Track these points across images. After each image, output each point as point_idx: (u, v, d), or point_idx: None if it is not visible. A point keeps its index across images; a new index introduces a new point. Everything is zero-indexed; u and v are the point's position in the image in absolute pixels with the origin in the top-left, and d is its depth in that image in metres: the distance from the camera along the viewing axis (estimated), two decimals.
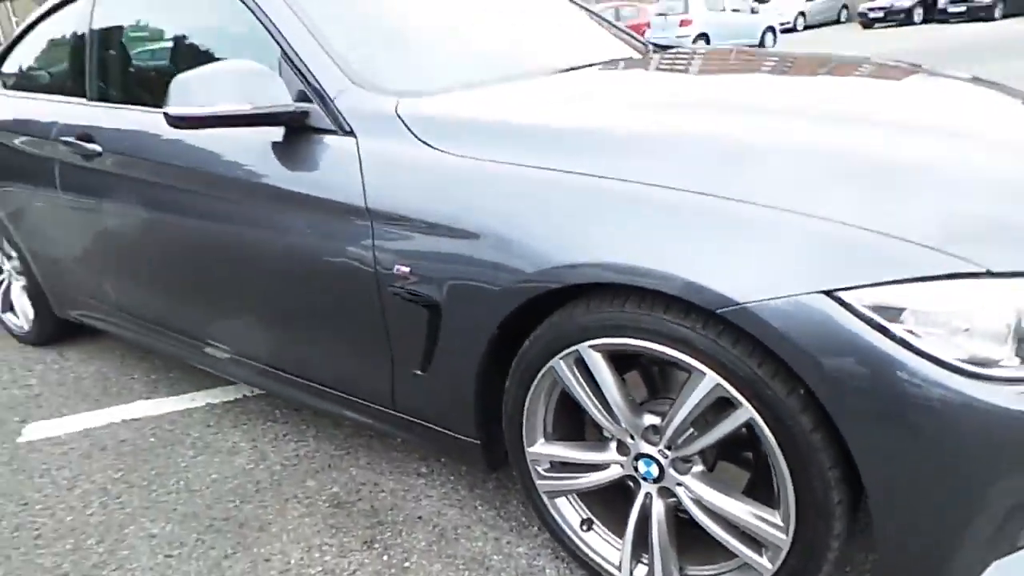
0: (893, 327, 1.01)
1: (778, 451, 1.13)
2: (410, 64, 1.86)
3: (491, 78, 1.78)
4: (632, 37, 2.61)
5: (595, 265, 1.20)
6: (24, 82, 2.71)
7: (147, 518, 1.83)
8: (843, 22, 27.46)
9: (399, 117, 1.52)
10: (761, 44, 18.14)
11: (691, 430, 1.26)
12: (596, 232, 1.21)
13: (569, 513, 1.49)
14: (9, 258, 2.86)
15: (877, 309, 1.02)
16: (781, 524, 1.18)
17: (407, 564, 1.59)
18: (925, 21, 22.59)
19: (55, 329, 2.87)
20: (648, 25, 18.47)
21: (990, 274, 1.00)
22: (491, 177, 1.36)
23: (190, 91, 1.56)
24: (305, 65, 1.67)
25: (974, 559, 1.08)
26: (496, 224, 1.33)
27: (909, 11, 23.39)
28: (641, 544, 1.38)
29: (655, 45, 2.58)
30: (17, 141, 2.54)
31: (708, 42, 17.31)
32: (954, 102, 1.64)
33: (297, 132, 1.65)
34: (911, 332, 1.01)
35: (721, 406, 1.18)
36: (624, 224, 1.19)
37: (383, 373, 1.63)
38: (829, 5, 27.83)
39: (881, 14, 23.86)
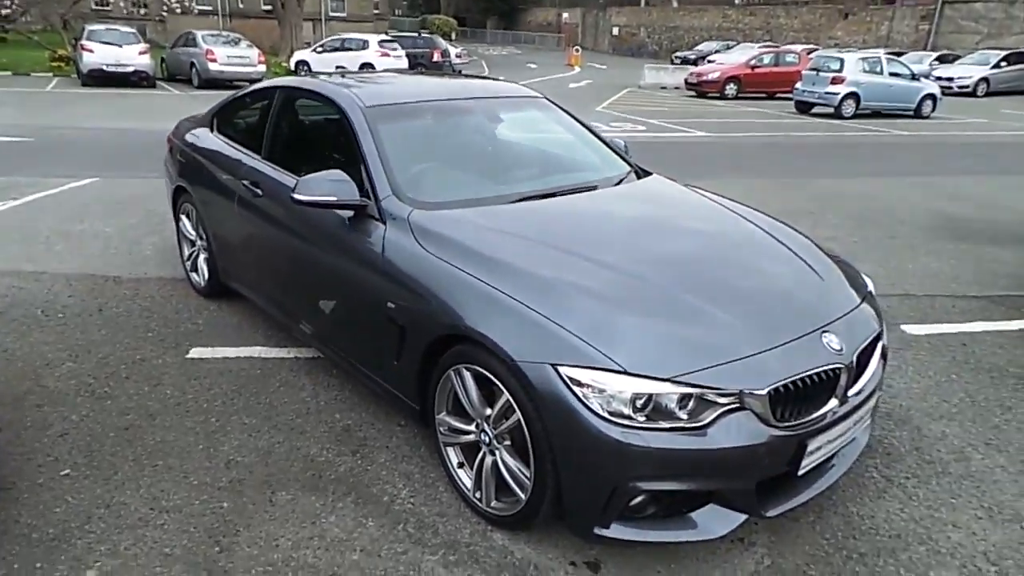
0: (577, 390, 2.09)
1: (528, 439, 2.23)
2: (428, 185, 3.05)
3: (477, 198, 2.95)
4: (622, 157, 3.67)
5: (468, 327, 2.35)
6: (226, 130, 4.20)
7: (245, 414, 3.18)
8: None
9: (408, 221, 2.73)
10: (918, 111, 17.73)
11: (502, 420, 2.37)
12: (474, 310, 2.36)
13: (453, 457, 2.65)
14: (201, 238, 4.38)
15: (571, 379, 2.09)
16: (530, 475, 2.27)
17: (369, 468, 2.81)
18: None
19: (218, 289, 4.36)
20: (800, 77, 18.54)
21: (625, 372, 2.06)
22: (439, 268, 2.54)
23: (308, 186, 2.84)
24: (371, 176, 2.92)
25: (603, 517, 2.14)
26: (436, 293, 2.51)
27: None
28: (479, 478, 2.51)
29: (639, 169, 3.61)
30: (217, 168, 4.01)
31: (858, 103, 17.18)
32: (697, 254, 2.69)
33: (359, 215, 2.90)
34: (585, 394, 2.08)
35: (512, 410, 2.28)
36: (484, 309, 2.33)
37: (380, 359, 2.85)
38: (1018, 74, 26.16)
39: None
